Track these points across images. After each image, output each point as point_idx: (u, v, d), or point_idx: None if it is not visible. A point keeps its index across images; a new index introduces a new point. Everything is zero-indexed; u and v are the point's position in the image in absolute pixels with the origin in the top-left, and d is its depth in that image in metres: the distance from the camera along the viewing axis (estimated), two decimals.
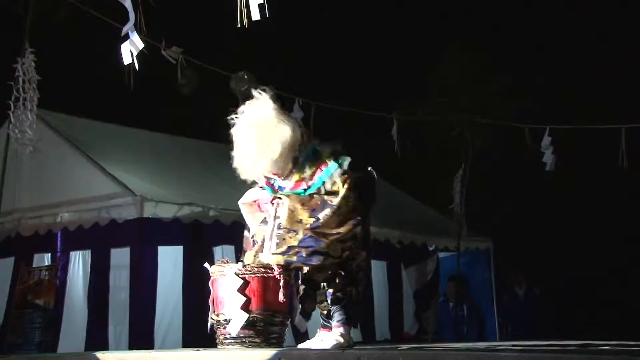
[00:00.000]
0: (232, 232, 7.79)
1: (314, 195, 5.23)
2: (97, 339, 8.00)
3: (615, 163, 10.11)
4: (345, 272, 5.25)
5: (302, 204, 5.19)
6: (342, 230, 5.13)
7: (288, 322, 5.71)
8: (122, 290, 8.22)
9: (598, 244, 13.50)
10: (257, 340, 5.27)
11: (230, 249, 8.07)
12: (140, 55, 7.03)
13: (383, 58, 15.41)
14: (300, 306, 5.58)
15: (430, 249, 11.01)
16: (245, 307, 5.24)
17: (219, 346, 5.39)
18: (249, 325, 5.25)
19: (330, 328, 5.29)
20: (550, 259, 13.65)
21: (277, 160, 5.27)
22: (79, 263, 8.64)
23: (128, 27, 6.86)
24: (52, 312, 8.32)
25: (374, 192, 5.43)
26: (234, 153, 5.41)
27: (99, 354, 5.39)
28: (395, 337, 10.01)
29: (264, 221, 5.35)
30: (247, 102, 5.59)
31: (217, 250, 8.35)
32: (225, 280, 5.32)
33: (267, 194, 5.37)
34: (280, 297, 5.27)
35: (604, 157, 11.06)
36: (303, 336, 6.43)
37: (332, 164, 5.29)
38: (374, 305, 9.89)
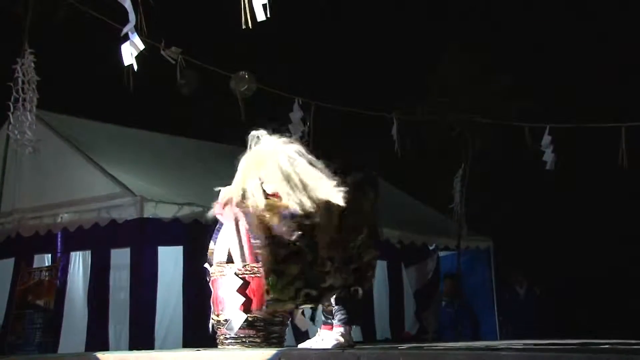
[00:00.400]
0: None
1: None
2: (98, 339, 7.99)
3: (615, 162, 10.11)
4: (355, 270, 5.23)
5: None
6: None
7: (288, 322, 5.71)
8: (122, 291, 8.21)
9: (598, 243, 13.49)
10: (258, 340, 5.28)
11: None
12: (140, 56, 7.03)
13: (383, 58, 15.41)
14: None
15: (431, 248, 11.01)
16: (244, 307, 5.24)
17: (219, 346, 5.40)
18: (249, 325, 5.25)
19: (331, 325, 5.28)
20: (551, 258, 13.64)
21: None
22: (79, 263, 8.64)
23: (128, 28, 6.85)
24: (53, 313, 8.32)
25: (377, 190, 5.41)
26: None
27: (99, 355, 5.39)
28: (396, 336, 10.01)
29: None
30: None
31: None
32: (225, 281, 5.33)
33: None
34: None
35: (603, 156, 11.06)
36: (303, 335, 6.42)
37: None
38: (375, 304, 9.89)
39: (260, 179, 4.95)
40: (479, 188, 11.71)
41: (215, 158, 9.69)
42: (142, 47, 6.98)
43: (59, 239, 8.54)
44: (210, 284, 5.47)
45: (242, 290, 5.25)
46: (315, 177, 4.93)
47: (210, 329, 5.46)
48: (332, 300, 5.26)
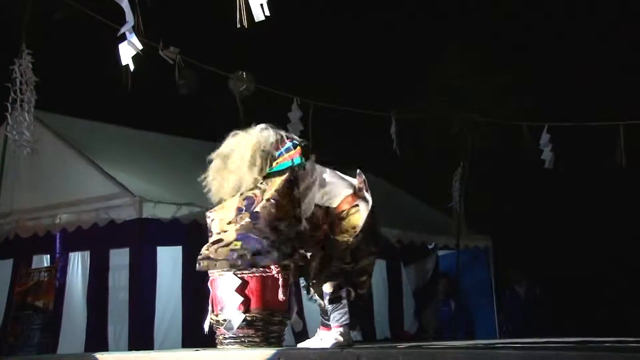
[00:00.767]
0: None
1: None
2: (97, 339, 7.98)
3: (613, 160, 10.11)
4: (345, 273, 5.25)
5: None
6: (282, 228, 5.13)
7: (287, 322, 5.70)
8: (121, 291, 8.21)
9: (597, 241, 13.50)
10: (257, 339, 5.26)
11: None
12: (138, 56, 7.02)
13: (381, 57, 15.39)
14: (296, 306, 5.58)
15: (430, 247, 11.01)
16: (243, 307, 5.23)
17: (218, 346, 5.38)
18: (248, 324, 5.24)
19: (329, 327, 5.28)
20: (550, 257, 13.64)
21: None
22: (78, 264, 8.62)
23: (125, 28, 6.85)
24: (52, 314, 8.31)
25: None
26: None
27: (98, 355, 5.38)
28: (395, 335, 10.00)
29: None
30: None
31: None
32: (224, 280, 5.31)
33: None
34: (280, 296, 5.26)
35: (602, 155, 11.06)
36: (302, 335, 6.42)
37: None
38: (374, 304, 9.88)
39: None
40: (478, 187, 11.71)
41: None
42: (140, 47, 6.98)
43: (58, 240, 8.53)
44: (209, 283, 5.46)
45: (240, 289, 5.24)
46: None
47: (207, 329, 5.45)
48: (326, 300, 5.27)
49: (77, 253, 8.60)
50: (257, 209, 5.13)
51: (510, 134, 10.95)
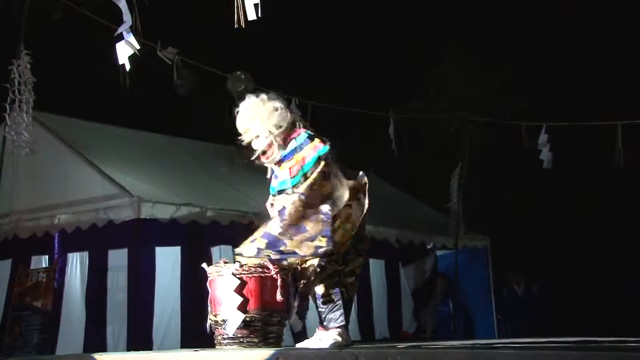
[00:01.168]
0: (230, 233, 7.78)
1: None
2: (96, 340, 7.99)
3: (611, 160, 10.12)
4: (336, 275, 5.26)
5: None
6: (309, 227, 5.11)
7: (286, 322, 5.70)
8: (120, 292, 8.20)
9: (596, 241, 13.52)
10: (255, 340, 5.25)
11: (228, 249, 8.04)
12: (136, 56, 7.02)
13: (380, 57, 15.41)
14: (296, 306, 5.57)
15: (428, 247, 11.01)
16: (242, 308, 5.22)
17: (217, 346, 5.38)
18: (246, 325, 5.23)
19: (327, 327, 5.29)
20: (548, 257, 13.66)
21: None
22: (76, 264, 8.62)
23: (123, 28, 6.85)
24: (50, 314, 8.30)
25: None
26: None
27: (97, 356, 5.37)
28: (394, 335, 10.01)
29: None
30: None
31: (215, 251, 8.35)
32: (222, 281, 5.31)
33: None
34: (278, 297, 5.25)
35: (600, 155, 11.07)
36: (301, 335, 6.42)
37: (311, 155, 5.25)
38: (373, 304, 9.89)
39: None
40: (476, 187, 11.72)
41: (212, 158, 9.69)
42: (137, 46, 6.98)
43: (56, 240, 8.53)
44: (207, 284, 5.45)
45: (239, 290, 5.23)
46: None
47: (208, 329, 5.45)
48: (319, 302, 5.28)
49: (75, 253, 8.60)
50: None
51: (508, 133, 10.96)
